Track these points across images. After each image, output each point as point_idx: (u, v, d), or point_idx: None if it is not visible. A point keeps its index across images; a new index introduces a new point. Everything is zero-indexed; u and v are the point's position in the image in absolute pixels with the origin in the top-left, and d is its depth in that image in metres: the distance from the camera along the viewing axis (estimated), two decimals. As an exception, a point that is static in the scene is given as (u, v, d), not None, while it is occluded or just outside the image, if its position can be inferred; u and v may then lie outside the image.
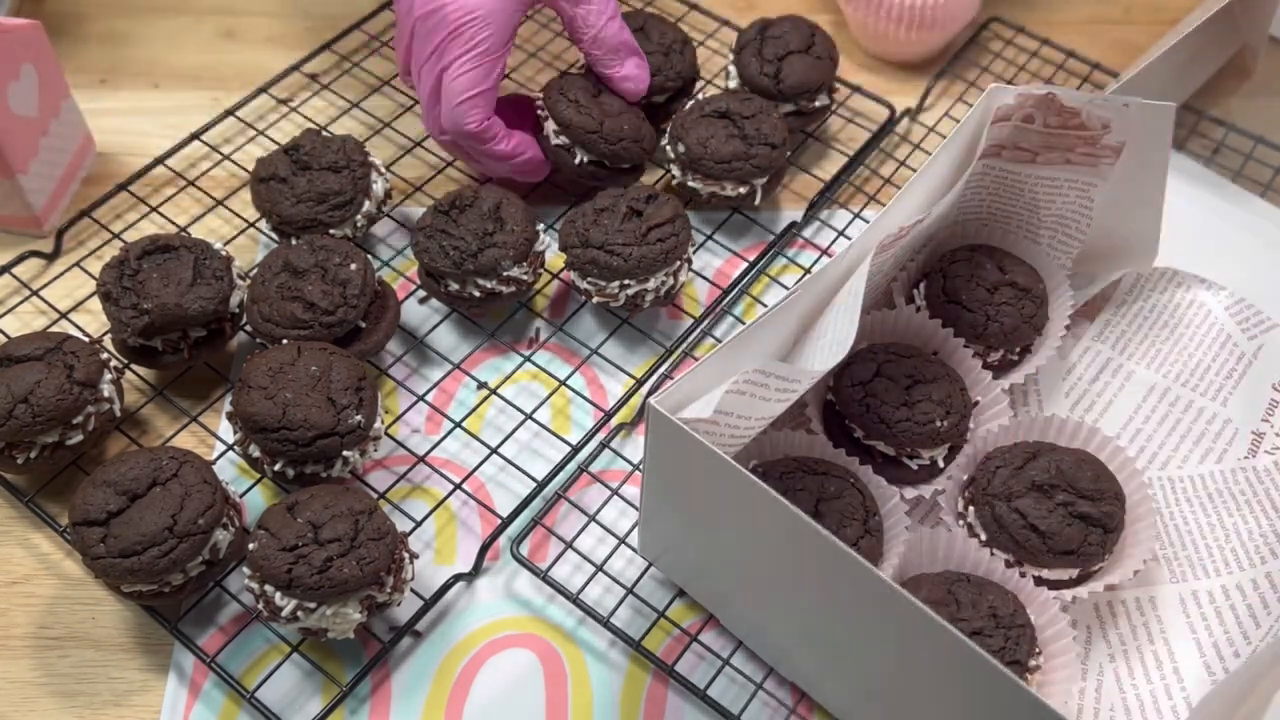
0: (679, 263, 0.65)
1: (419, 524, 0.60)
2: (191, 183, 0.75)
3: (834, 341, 0.50)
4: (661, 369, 0.67)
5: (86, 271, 0.70)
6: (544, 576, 0.58)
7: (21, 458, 0.58)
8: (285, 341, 0.60)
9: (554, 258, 0.71)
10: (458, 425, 0.64)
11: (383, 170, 0.70)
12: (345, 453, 0.57)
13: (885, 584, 0.43)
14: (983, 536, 0.57)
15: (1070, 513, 0.55)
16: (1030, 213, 0.65)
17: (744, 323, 0.69)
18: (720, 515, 0.50)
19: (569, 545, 0.60)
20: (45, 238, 0.72)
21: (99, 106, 0.79)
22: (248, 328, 0.65)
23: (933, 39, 0.82)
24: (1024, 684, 0.41)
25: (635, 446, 0.64)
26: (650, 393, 0.66)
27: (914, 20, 0.80)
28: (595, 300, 0.66)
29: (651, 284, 0.64)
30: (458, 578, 0.59)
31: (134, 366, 0.66)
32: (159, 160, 0.76)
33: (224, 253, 0.64)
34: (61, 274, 0.70)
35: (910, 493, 0.59)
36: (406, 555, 0.55)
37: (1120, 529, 0.56)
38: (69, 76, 0.75)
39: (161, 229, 0.73)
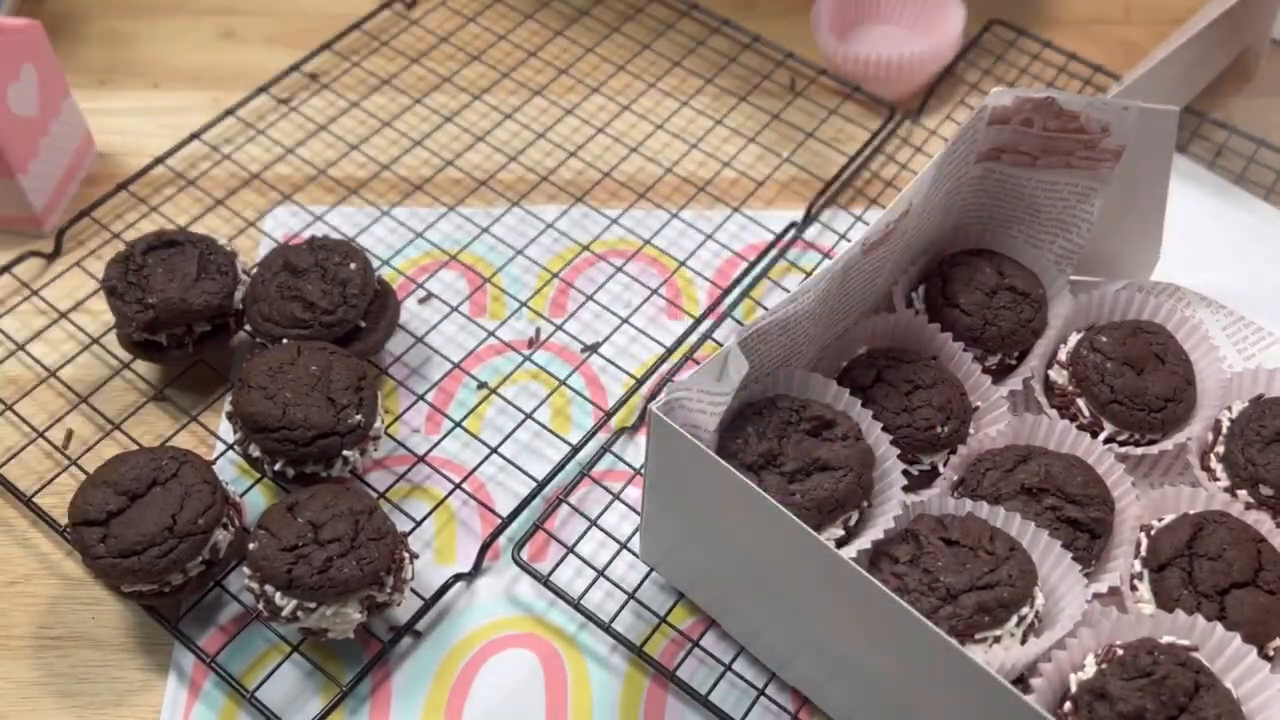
0: None
1: (419, 524, 0.60)
2: (191, 182, 0.75)
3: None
4: (661, 369, 0.67)
5: (87, 271, 0.70)
6: (545, 581, 0.58)
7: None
8: (285, 341, 0.60)
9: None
10: (458, 425, 0.64)
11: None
12: (345, 452, 0.57)
13: (884, 593, 0.43)
14: None
15: (1057, 517, 0.55)
16: (1030, 216, 0.65)
17: (743, 324, 0.69)
18: (721, 522, 0.50)
19: (570, 550, 0.60)
20: (45, 238, 0.72)
21: (99, 106, 0.79)
22: (248, 326, 0.65)
23: (903, 87, 0.82)
24: (1022, 696, 0.41)
25: (636, 449, 0.64)
26: (650, 394, 0.66)
27: (884, 72, 0.80)
28: None
29: None
30: (458, 578, 0.59)
31: (137, 363, 0.66)
32: (159, 160, 0.76)
33: (228, 248, 0.64)
34: (61, 274, 0.70)
35: (912, 499, 0.58)
36: (406, 555, 0.55)
37: (1108, 535, 0.56)
38: (69, 76, 0.75)
39: (162, 229, 0.73)
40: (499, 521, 0.60)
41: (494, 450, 0.63)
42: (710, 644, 0.57)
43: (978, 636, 0.50)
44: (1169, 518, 0.57)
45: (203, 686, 0.55)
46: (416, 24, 0.86)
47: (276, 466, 0.57)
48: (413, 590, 0.57)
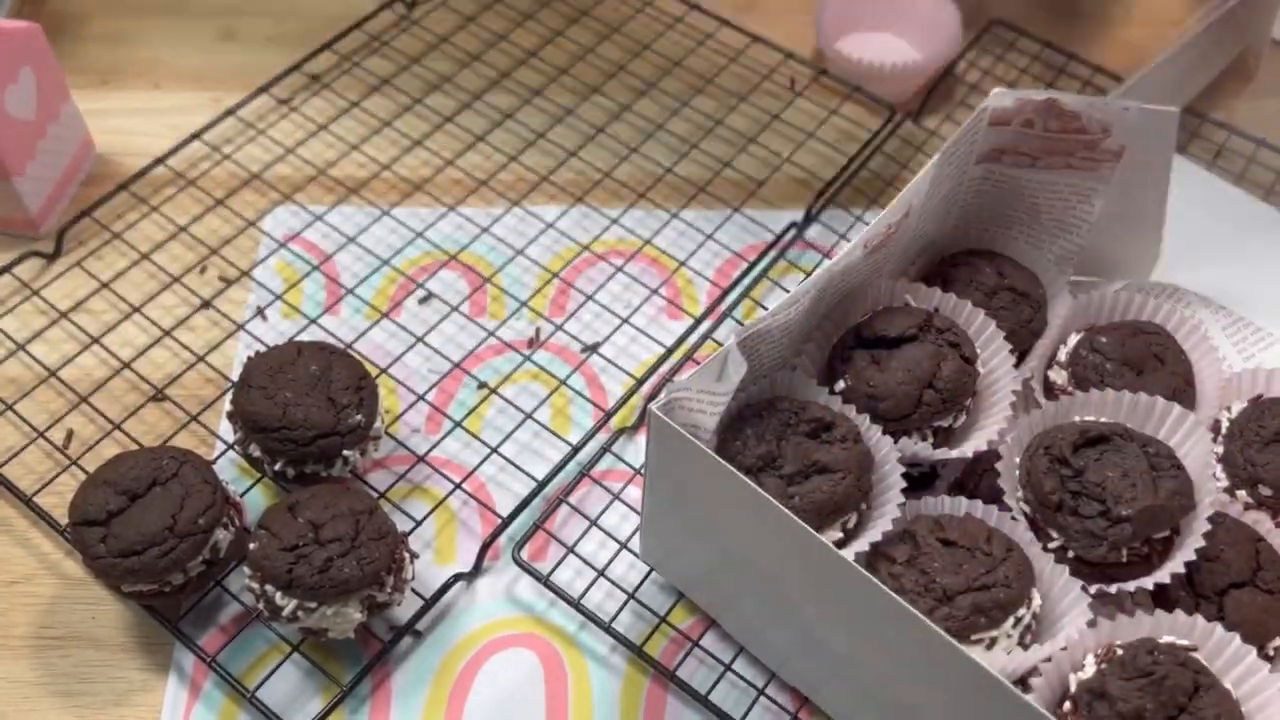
0: None
1: (419, 524, 0.60)
2: (192, 182, 0.75)
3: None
4: (661, 369, 0.67)
5: (87, 271, 0.70)
6: (545, 581, 0.58)
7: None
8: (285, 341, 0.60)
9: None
10: (458, 425, 0.64)
11: None
12: (345, 452, 0.57)
13: (883, 592, 0.43)
14: None
15: None
16: (1030, 217, 0.65)
17: (743, 325, 0.69)
18: (722, 521, 0.50)
19: (570, 550, 0.60)
20: (41, 240, 0.72)
21: (99, 107, 0.79)
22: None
23: (903, 89, 0.82)
24: (1022, 695, 0.41)
25: (636, 449, 0.64)
26: (650, 394, 0.66)
27: (885, 75, 0.81)
28: None
29: None
30: (458, 577, 0.59)
31: (137, 363, 0.66)
32: (159, 160, 0.76)
33: None
34: (62, 274, 0.70)
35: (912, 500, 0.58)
36: (407, 555, 0.56)
37: None
38: (69, 77, 0.75)
39: (162, 228, 0.73)
40: (499, 521, 0.60)
41: (494, 450, 0.63)
42: (710, 644, 0.57)
43: (973, 638, 0.50)
44: None
45: (203, 686, 0.56)
46: (417, 25, 0.86)
47: (277, 466, 0.57)
48: (413, 590, 0.57)
